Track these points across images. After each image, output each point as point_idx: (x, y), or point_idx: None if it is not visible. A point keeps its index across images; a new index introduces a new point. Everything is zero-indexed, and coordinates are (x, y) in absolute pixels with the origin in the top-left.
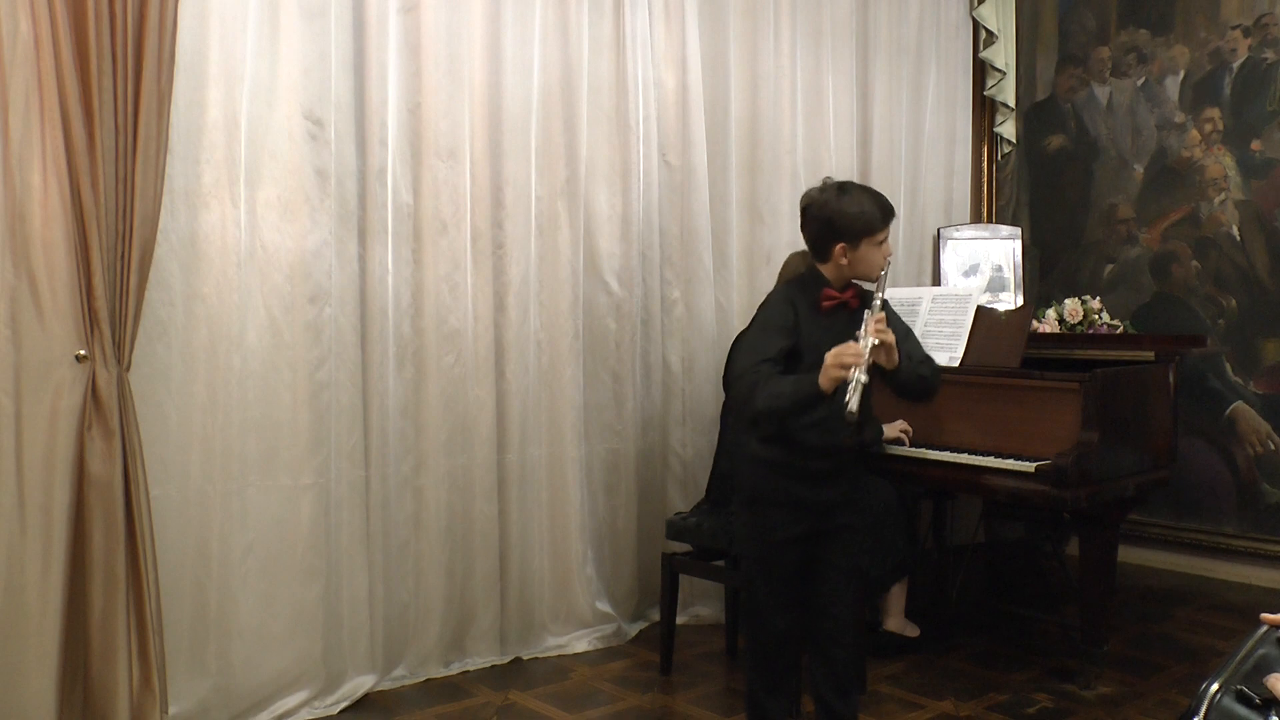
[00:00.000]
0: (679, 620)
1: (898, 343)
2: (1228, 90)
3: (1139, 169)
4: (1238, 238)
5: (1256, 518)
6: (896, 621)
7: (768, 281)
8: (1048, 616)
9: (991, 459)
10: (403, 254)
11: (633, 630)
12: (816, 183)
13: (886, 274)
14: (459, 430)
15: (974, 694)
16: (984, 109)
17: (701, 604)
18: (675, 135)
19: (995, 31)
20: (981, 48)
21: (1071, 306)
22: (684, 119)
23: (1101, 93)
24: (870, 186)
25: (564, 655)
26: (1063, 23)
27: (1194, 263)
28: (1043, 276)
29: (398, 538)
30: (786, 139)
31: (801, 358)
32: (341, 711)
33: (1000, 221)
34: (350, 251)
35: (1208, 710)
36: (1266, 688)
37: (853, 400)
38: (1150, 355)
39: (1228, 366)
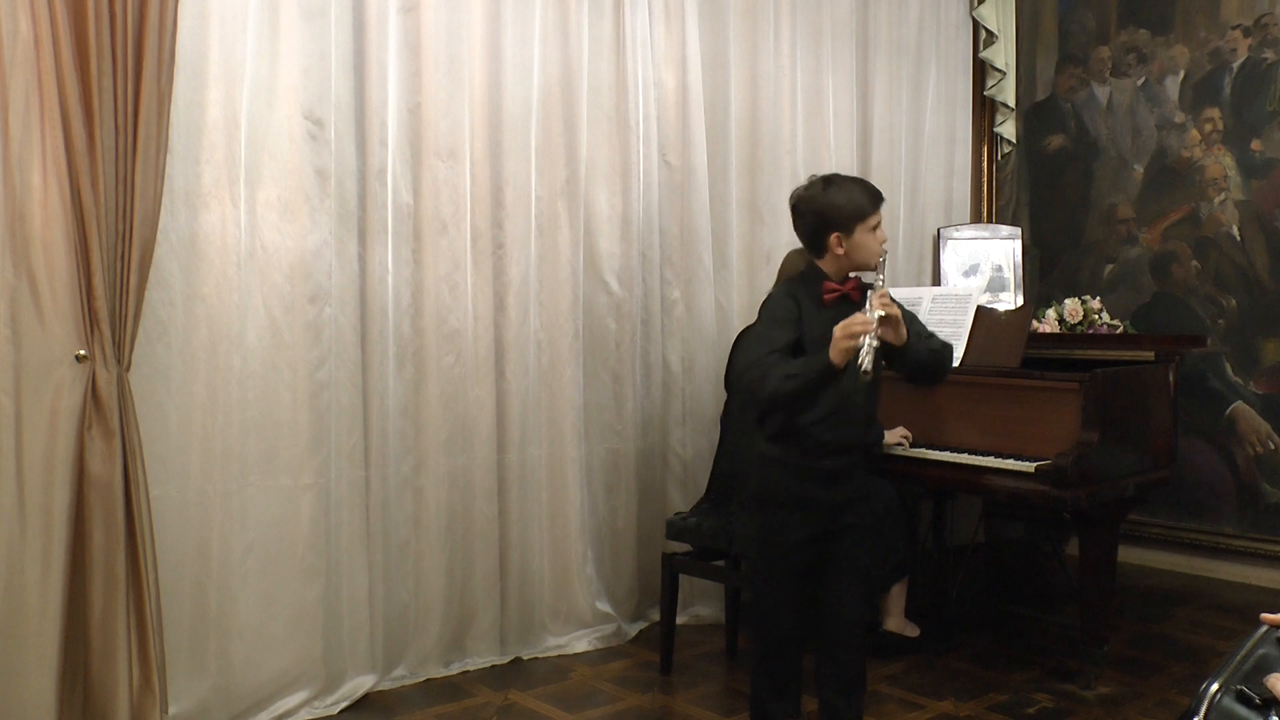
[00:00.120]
0: (679, 620)
1: (904, 321)
2: (1228, 90)
3: (1139, 169)
4: (1238, 238)
5: (1256, 518)
6: (896, 621)
7: (768, 281)
8: (1048, 616)
9: (991, 459)
10: (403, 254)
11: (633, 630)
12: None
13: (885, 260)
14: (459, 430)
15: (974, 694)
16: (984, 109)
17: (701, 604)
18: (675, 135)
19: (995, 31)
20: (981, 48)
21: (1071, 306)
22: (684, 119)
23: (1101, 93)
24: (855, 175)
25: (564, 655)
26: (1063, 23)
27: (1194, 263)
28: (1043, 276)
29: (398, 538)
30: (786, 139)
31: (806, 352)
32: (341, 711)
33: (1000, 221)
34: (350, 251)
35: (1208, 710)
36: (1266, 688)
37: (866, 360)
38: (1150, 355)
39: (1228, 366)
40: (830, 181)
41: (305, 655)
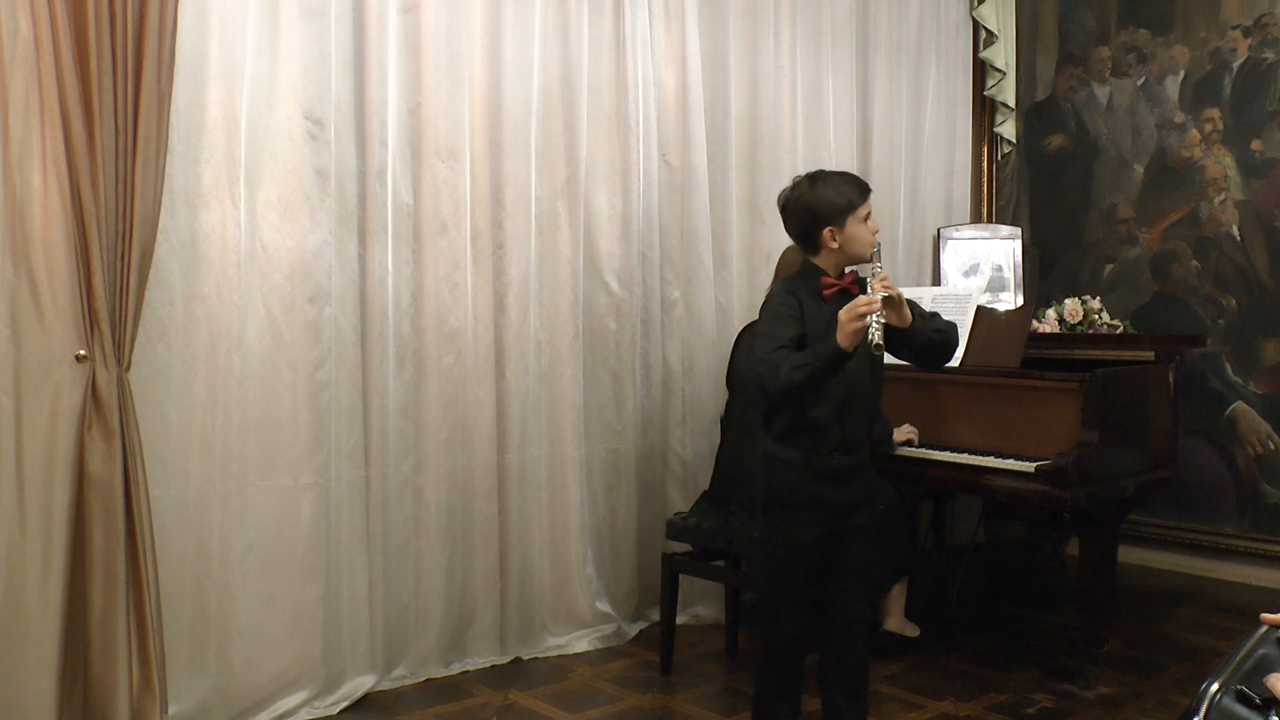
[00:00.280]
0: (679, 620)
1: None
2: (1228, 90)
3: (1139, 169)
4: (1238, 238)
5: (1256, 518)
6: (896, 621)
7: (768, 281)
8: (1048, 616)
9: (991, 459)
10: (403, 254)
11: (633, 630)
12: None
13: (879, 250)
14: (459, 430)
15: (974, 694)
16: (984, 109)
17: (701, 604)
18: (675, 135)
19: (995, 31)
20: (981, 48)
21: (1071, 306)
22: (684, 119)
23: (1101, 93)
24: (839, 169)
25: (564, 655)
26: (1063, 23)
27: (1194, 263)
28: (1043, 276)
29: (398, 538)
30: (786, 139)
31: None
32: (341, 711)
33: (1000, 221)
34: (350, 251)
35: (1208, 710)
36: (1266, 688)
37: (876, 334)
38: (1150, 355)
39: (1228, 366)
40: (816, 178)
41: (305, 655)
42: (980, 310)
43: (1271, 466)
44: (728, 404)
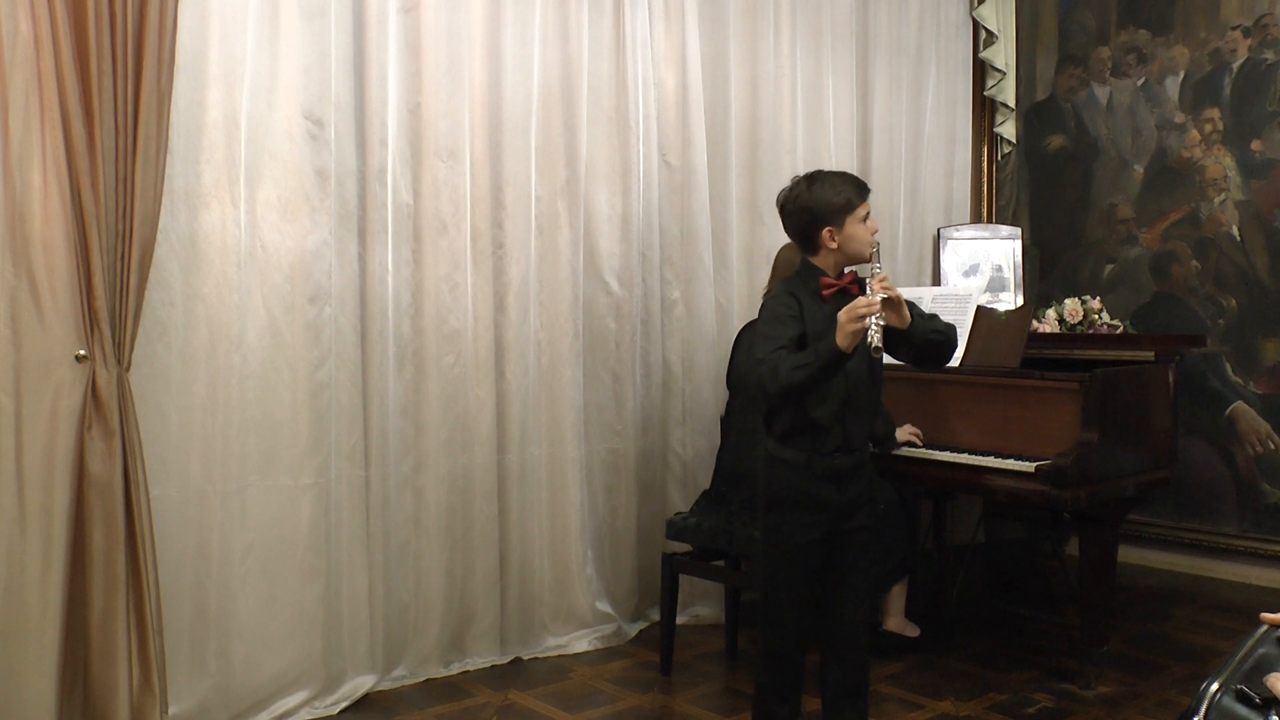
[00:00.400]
0: (679, 620)
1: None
2: (1228, 90)
3: (1139, 169)
4: (1238, 238)
5: (1256, 518)
6: (896, 621)
7: (767, 281)
8: (1048, 616)
9: (991, 459)
10: (403, 254)
11: (633, 630)
12: None
13: (878, 250)
14: (459, 430)
15: (974, 694)
16: (984, 109)
17: (701, 604)
18: (675, 135)
19: (995, 31)
20: (981, 48)
21: (1071, 306)
22: (684, 119)
23: (1101, 93)
24: (837, 169)
25: (564, 655)
26: (1063, 23)
27: (1194, 263)
28: (1043, 276)
29: (398, 538)
30: (786, 139)
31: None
32: (341, 711)
33: (1000, 221)
34: (350, 251)
35: (1208, 710)
36: (1266, 687)
37: (876, 337)
38: (1150, 355)
39: (1228, 366)
40: (814, 178)
41: (305, 655)
42: (980, 310)
43: (1271, 466)
44: (728, 404)
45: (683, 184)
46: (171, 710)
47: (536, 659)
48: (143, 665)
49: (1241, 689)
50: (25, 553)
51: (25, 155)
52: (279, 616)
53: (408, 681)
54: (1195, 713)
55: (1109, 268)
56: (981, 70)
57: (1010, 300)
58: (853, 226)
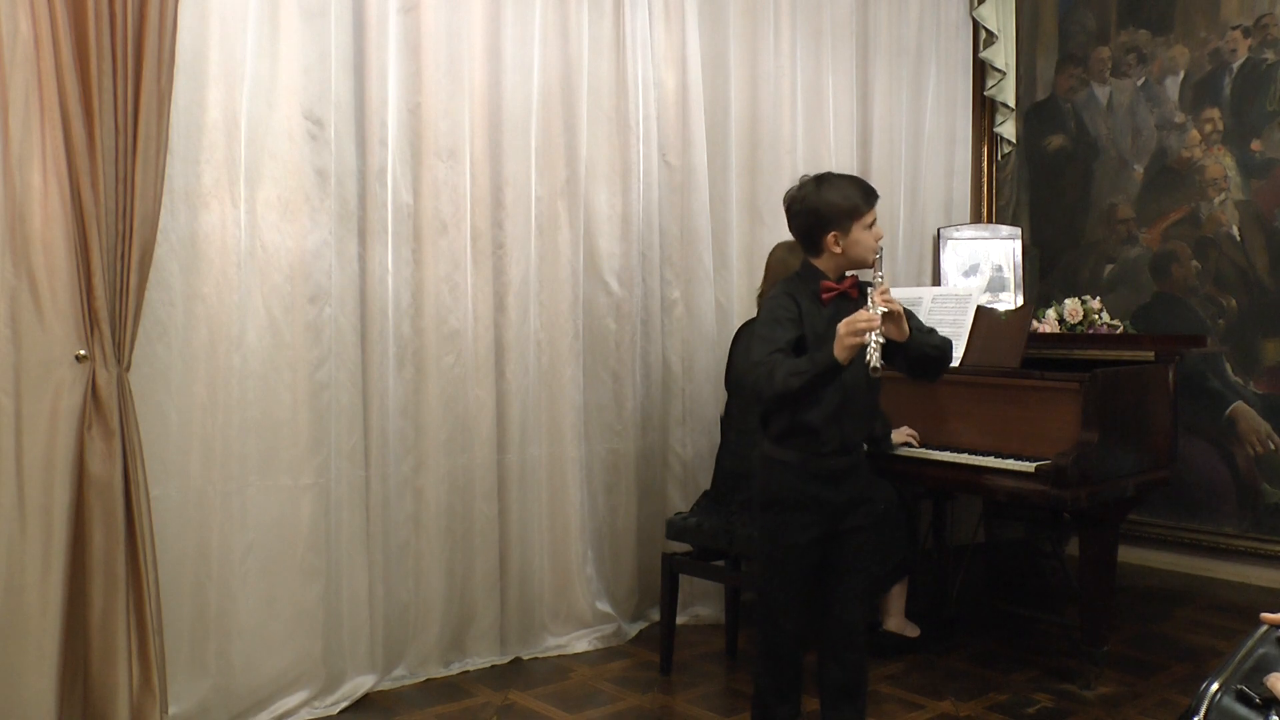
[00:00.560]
0: (679, 620)
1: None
2: (1228, 90)
3: (1139, 169)
4: (1238, 238)
5: (1256, 518)
6: (896, 621)
7: None
8: (1048, 616)
9: (991, 459)
10: (403, 254)
11: (633, 630)
12: None
13: (882, 256)
14: (459, 430)
15: (974, 694)
16: (984, 109)
17: (701, 604)
18: (675, 135)
19: (995, 31)
20: (981, 48)
21: (1071, 306)
22: (684, 119)
23: (1101, 93)
24: (847, 173)
25: (564, 655)
26: (1063, 23)
27: (1194, 263)
28: (1043, 276)
29: (398, 538)
30: (786, 139)
31: (808, 350)
32: (341, 711)
33: (1000, 221)
34: (350, 251)
35: (1208, 710)
36: (1266, 687)
37: (874, 358)
38: (1150, 355)
39: (1228, 366)
40: (823, 180)
41: (305, 655)
42: (980, 310)
43: (1271, 466)
44: (727, 404)
45: (683, 184)
46: (171, 710)
47: (536, 659)
48: (143, 665)
49: (1241, 689)
50: (25, 553)
51: (25, 155)
52: (279, 616)
53: (408, 681)
54: (1195, 713)
55: (1109, 268)
56: (981, 70)
57: (1010, 300)
58: (858, 232)
